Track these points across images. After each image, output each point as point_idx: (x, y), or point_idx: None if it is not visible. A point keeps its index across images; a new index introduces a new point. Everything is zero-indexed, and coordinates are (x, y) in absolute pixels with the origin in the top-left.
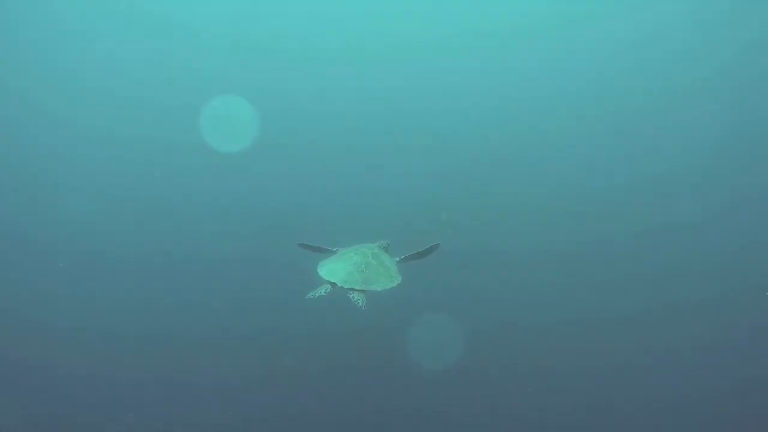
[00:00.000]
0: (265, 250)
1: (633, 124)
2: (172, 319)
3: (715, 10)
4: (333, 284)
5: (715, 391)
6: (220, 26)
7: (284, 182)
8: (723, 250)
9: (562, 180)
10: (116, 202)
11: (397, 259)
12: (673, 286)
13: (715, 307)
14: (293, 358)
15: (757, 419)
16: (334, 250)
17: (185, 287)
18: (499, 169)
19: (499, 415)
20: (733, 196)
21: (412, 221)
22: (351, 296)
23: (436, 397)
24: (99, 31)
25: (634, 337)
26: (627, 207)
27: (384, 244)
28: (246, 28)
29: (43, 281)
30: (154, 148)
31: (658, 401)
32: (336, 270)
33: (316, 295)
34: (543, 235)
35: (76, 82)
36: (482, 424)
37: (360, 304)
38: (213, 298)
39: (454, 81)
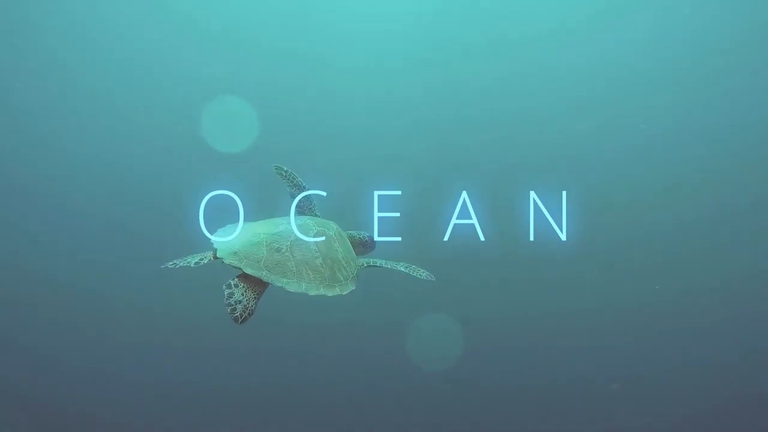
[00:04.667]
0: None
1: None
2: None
3: None
4: (215, 255)
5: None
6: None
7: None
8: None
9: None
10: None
11: (369, 261)
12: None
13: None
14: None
15: None
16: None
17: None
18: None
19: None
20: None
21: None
22: (225, 287)
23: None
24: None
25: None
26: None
27: (359, 235)
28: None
29: None
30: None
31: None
32: (236, 239)
33: (179, 264)
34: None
35: (72, 80)
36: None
37: (233, 306)
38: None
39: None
